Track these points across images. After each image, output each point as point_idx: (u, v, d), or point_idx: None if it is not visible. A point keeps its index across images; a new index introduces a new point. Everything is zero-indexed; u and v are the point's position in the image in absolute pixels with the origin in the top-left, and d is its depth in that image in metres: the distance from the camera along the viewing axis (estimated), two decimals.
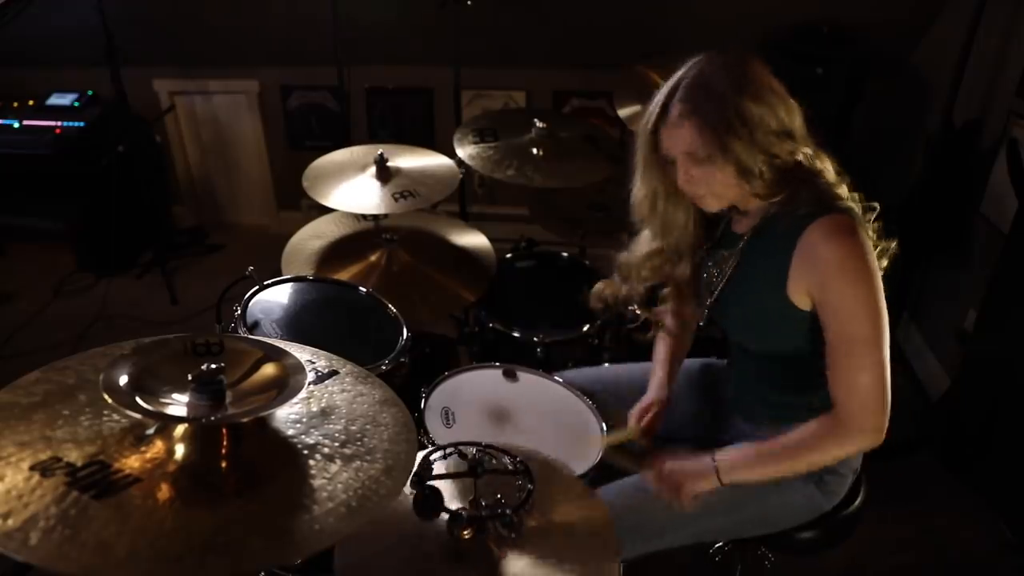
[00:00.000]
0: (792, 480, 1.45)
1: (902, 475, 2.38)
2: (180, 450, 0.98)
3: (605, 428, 1.62)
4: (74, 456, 0.95)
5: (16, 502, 0.87)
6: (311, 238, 2.23)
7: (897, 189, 2.95)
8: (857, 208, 1.35)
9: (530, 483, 1.18)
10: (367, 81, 3.47)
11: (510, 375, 1.77)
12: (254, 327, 1.72)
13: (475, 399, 1.69)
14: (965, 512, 2.34)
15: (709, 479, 1.41)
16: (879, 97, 3.07)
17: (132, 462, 0.95)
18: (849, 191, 1.38)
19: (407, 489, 1.10)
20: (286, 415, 1.08)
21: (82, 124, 3.30)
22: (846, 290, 1.28)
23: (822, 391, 1.35)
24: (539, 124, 2.31)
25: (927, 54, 3.05)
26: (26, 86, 3.47)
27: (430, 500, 1.13)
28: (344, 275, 2.07)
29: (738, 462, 1.41)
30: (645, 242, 1.57)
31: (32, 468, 0.92)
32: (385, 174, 2.13)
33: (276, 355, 1.12)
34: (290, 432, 1.06)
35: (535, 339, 2.07)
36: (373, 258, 2.14)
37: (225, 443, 1.00)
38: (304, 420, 1.08)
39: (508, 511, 1.13)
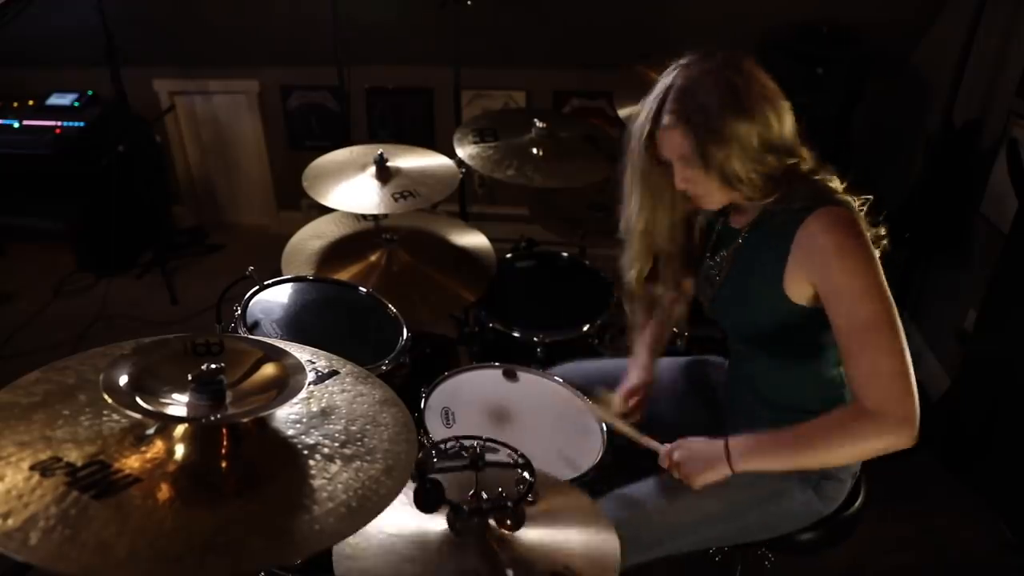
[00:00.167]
0: (791, 487, 1.45)
1: (902, 475, 2.38)
2: (180, 450, 0.98)
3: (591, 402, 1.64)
4: (74, 456, 0.95)
5: (16, 502, 0.87)
6: (311, 238, 2.23)
7: (897, 189, 2.95)
8: (852, 201, 1.35)
9: (531, 475, 1.18)
10: (367, 81, 3.47)
11: (510, 375, 1.77)
12: (254, 327, 1.72)
13: (475, 399, 1.69)
14: (965, 512, 2.34)
15: (721, 467, 1.37)
16: (879, 97, 3.07)
17: (132, 462, 0.95)
18: (840, 182, 1.38)
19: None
20: (286, 415, 1.08)
21: (82, 124, 3.29)
22: (850, 275, 1.27)
23: (820, 392, 1.35)
24: (539, 124, 2.31)
25: (927, 54, 3.05)
26: (26, 86, 3.47)
27: (431, 493, 1.13)
28: (344, 275, 2.07)
29: (753, 449, 1.36)
30: (634, 247, 1.58)
31: (32, 468, 0.92)
32: (385, 174, 2.13)
33: (276, 355, 1.12)
34: (290, 432, 1.06)
35: (535, 339, 2.07)
36: (373, 258, 2.14)
37: (225, 443, 1.00)
38: (304, 420, 1.08)
39: (509, 503, 1.13)
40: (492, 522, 1.14)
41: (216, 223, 3.93)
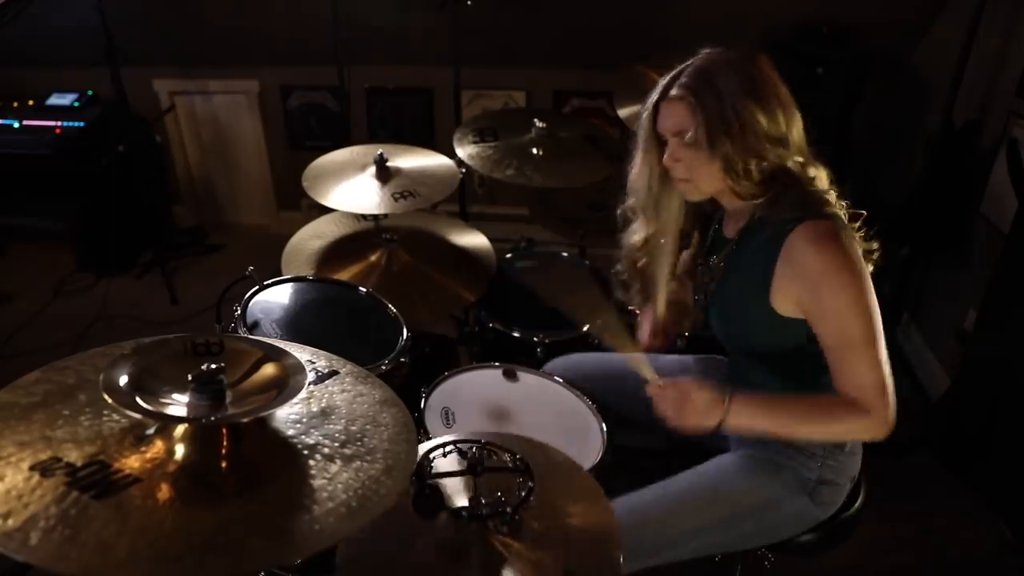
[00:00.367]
0: (787, 494, 1.46)
1: (902, 475, 2.38)
2: (180, 450, 0.98)
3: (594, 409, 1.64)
4: (74, 456, 0.95)
5: (16, 502, 0.87)
6: (311, 238, 2.23)
7: (897, 189, 2.95)
8: (842, 215, 1.35)
9: (530, 480, 1.18)
10: (367, 81, 3.47)
11: (510, 375, 1.77)
12: (254, 327, 1.72)
13: (475, 399, 1.69)
14: (965, 512, 2.34)
15: (714, 414, 1.34)
16: (879, 97, 3.07)
17: (132, 462, 0.95)
18: (837, 199, 1.38)
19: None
20: (286, 415, 1.08)
21: (82, 124, 3.30)
22: (836, 296, 1.28)
23: (814, 391, 1.35)
24: (539, 124, 2.31)
25: (927, 54, 3.05)
26: (26, 86, 3.47)
27: (431, 498, 1.13)
28: (344, 275, 2.07)
29: (750, 404, 1.35)
30: (637, 225, 1.58)
31: (32, 468, 0.92)
32: (385, 174, 2.13)
33: (276, 355, 1.12)
34: (290, 432, 1.06)
35: (535, 339, 2.07)
36: (373, 258, 2.14)
37: (225, 443, 1.00)
38: (304, 420, 1.08)
39: (508, 509, 1.13)
40: (491, 526, 1.14)
41: (216, 223, 3.93)
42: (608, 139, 2.51)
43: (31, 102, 3.42)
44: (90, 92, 3.44)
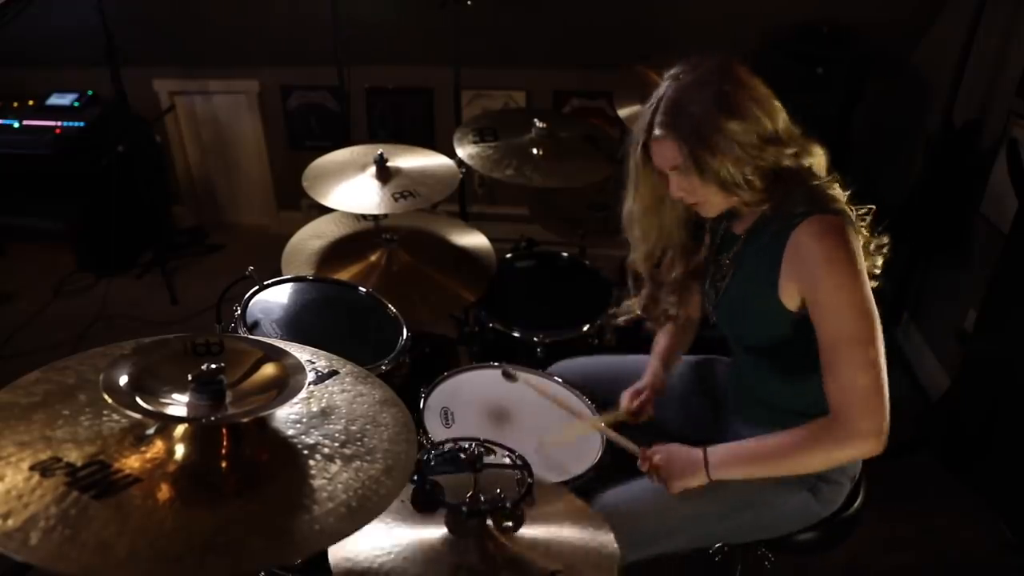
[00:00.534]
0: (787, 489, 1.46)
1: (902, 475, 2.38)
2: (180, 450, 0.98)
3: (594, 408, 1.66)
4: (74, 456, 0.95)
5: (16, 502, 0.87)
6: (311, 238, 2.23)
7: (897, 189, 2.95)
8: (849, 210, 1.35)
9: (529, 477, 1.18)
10: (367, 81, 3.47)
11: (510, 375, 1.77)
12: (254, 327, 1.72)
13: (474, 399, 1.69)
14: (965, 512, 2.34)
15: (699, 474, 1.40)
16: (879, 97, 3.07)
17: (132, 462, 0.95)
18: (843, 190, 1.39)
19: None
20: (286, 415, 1.08)
21: (82, 124, 3.30)
22: (836, 289, 1.27)
23: (819, 395, 1.35)
24: (539, 124, 2.31)
25: (927, 54, 3.05)
26: (26, 86, 3.47)
27: (430, 495, 1.13)
28: (344, 275, 2.07)
29: (729, 459, 1.40)
30: (641, 250, 1.59)
31: (32, 468, 0.92)
32: (385, 174, 2.13)
33: (276, 355, 1.12)
34: (290, 432, 1.06)
35: (535, 339, 2.07)
36: (373, 258, 2.14)
37: (225, 443, 1.00)
38: (304, 420, 1.08)
39: (508, 505, 1.13)
40: (491, 523, 1.14)
41: (216, 223, 3.93)
42: (608, 139, 2.51)
43: (31, 102, 3.42)
44: (90, 92, 3.44)
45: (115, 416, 1.01)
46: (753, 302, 1.42)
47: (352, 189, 2.09)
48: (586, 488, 1.47)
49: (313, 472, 0.99)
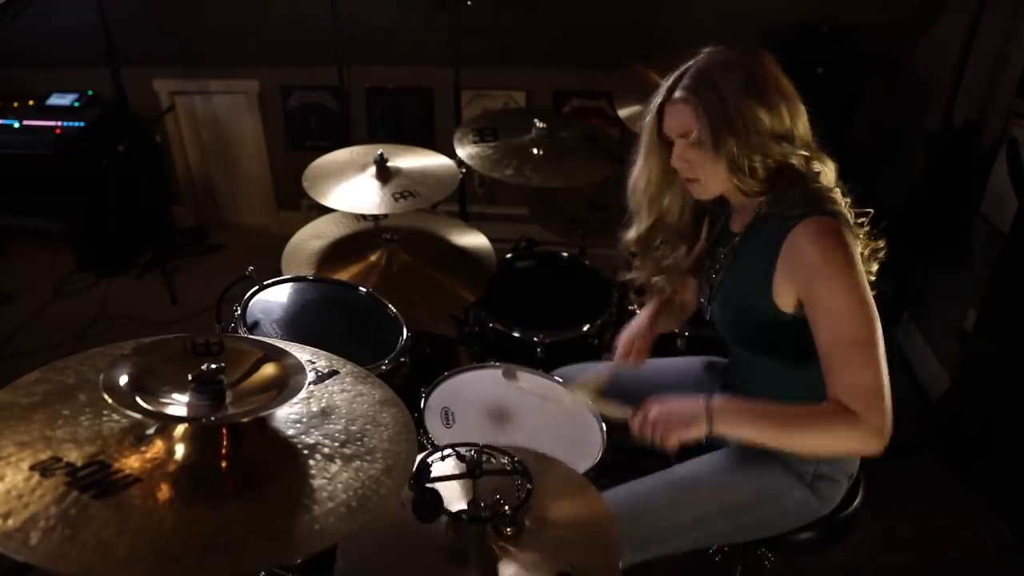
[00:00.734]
0: (786, 485, 1.46)
1: (902, 475, 2.38)
2: (180, 450, 0.98)
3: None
4: (74, 456, 0.95)
5: (16, 502, 0.87)
6: (311, 238, 2.23)
7: (897, 189, 2.95)
8: (847, 212, 1.35)
9: (529, 483, 1.18)
10: (367, 81, 3.47)
11: (510, 375, 1.77)
12: (254, 327, 1.72)
13: (475, 399, 1.69)
14: (965, 512, 2.34)
15: (700, 424, 1.33)
16: (879, 97, 3.07)
17: (132, 462, 0.95)
18: (843, 196, 1.38)
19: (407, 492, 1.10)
20: (286, 415, 1.08)
21: (82, 124, 3.29)
22: (834, 290, 1.27)
23: (814, 394, 1.35)
24: (539, 124, 2.32)
25: (927, 54, 3.05)
26: (26, 86, 3.46)
27: (430, 502, 1.13)
28: (344, 275, 2.07)
29: (735, 412, 1.34)
30: (636, 228, 1.58)
31: (32, 468, 0.92)
32: (385, 174, 2.13)
33: (276, 355, 1.12)
34: (290, 432, 1.06)
35: (535, 339, 2.07)
36: (373, 258, 2.14)
37: (225, 443, 1.00)
38: (304, 420, 1.08)
39: (508, 511, 1.13)
40: (491, 529, 1.14)
41: (216, 223, 3.93)
42: (608, 139, 2.51)
43: (31, 102, 3.42)
44: (90, 92, 3.44)
45: (115, 416, 1.01)
46: (747, 298, 1.42)
47: (352, 189, 2.09)
48: None
49: (313, 472, 0.99)
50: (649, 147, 1.47)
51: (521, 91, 3.47)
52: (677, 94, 1.36)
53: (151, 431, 1.00)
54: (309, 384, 1.13)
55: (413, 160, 2.23)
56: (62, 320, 3.18)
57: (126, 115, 3.18)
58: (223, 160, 3.84)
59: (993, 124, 2.59)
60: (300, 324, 1.78)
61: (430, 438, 1.53)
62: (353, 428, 1.08)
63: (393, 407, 1.15)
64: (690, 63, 1.37)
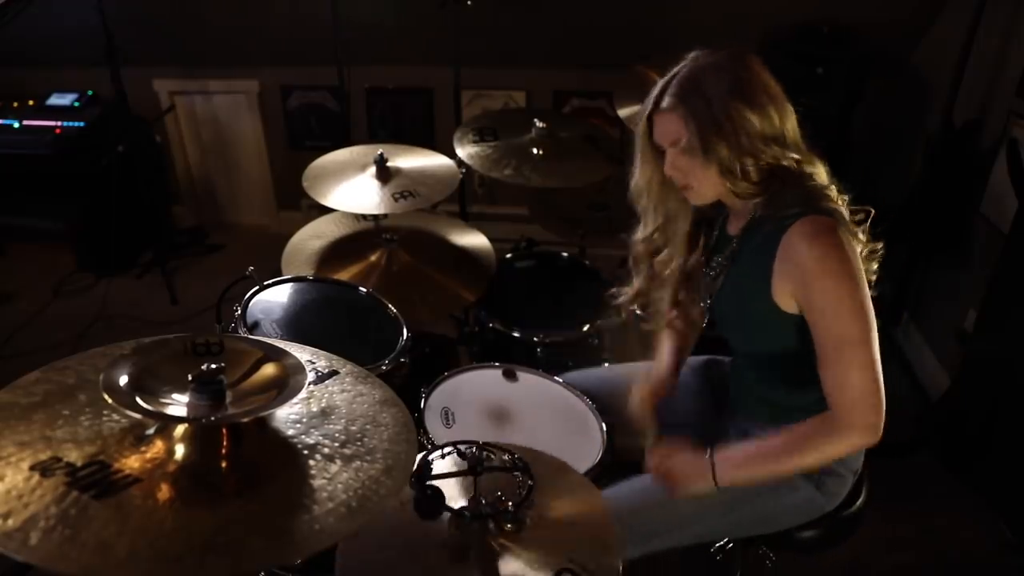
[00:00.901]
0: (791, 482, 1.45)
1: (902, 475, 2.38)
2: (180, 450, 0.98)
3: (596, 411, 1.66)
4: (74, 456, 0.95)
5: (16, 502, 0.87)
6: (311, 238, 2.23)
7: (897, 189, 2.95)
8: (844, 210, 1.35)
9: (530, 479, 1.18)
10: (367, 81, 3.47)
11: (510, 375, 1.77)
12: (254, 327, 1.72)
13: (475, 399, 1.69)
14: (965, 512, 2.34)
15: (705, 479, 1.39)
16: (879, 97, 3.07)
17: (132, 462, 0.95)
18: (839, 194, 1.38)
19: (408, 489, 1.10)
20: (286, 415, 1.08)
21: (82, 124, 3.29)
22: (829, 290, 1.27)
23: (818, 391, 1.35)
24: (539, 124, 2.31)
25: (927, 54, 3.05)
26: (26, 86, 3.47)
27: (431, 500, 1.13)
28: (344, 275, 2.07)
29: (733, 464, 1.39)
30: (641, 232, 1.59)
31: (32, 468, 0.92)
32: (385, 174, 2.13)
33: (276, 355, 1.12)
34: (290, 432, 1.06)
35: (535, 339, 2.07)
36: (373, 258, 2.14)
37: (225, 443, 1.00)
38: (304, 420, 1.08)
39: (511, 507, 1.13)
40: (492, 526, 1.14)
41: (216, 223, 3.93)
42: (608, 139, 2.51)
43: (31, 102, 3.42)
44: (90, 92, 3.44)
45: (115, 416, 1.01)
46: (748, 303, 1.42)
47: (352, 189, 2.09)
48: None
49: (313, 472, 0.99)
50: (644, 156, 1.48)
51: (521, 91, 3.47)
52: (664, 103, 1.36)
53: (151, 431, 1.00)
54: (309, 384, 1.13)
55: (413, 160, 2.23)
56: (62, 320, 3.18)
57: (126, 115, 3.18)
58: (223, 160, 3.84)
59: (993, 124, 2.59)
60: (300, 324, 1.78)
61: (430, 438, 1.53)
62: (353, 428, 1.08)
63: (393, 407, 1.15)
64: (676, 70, 1.37)
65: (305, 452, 1.02)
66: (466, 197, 2.99)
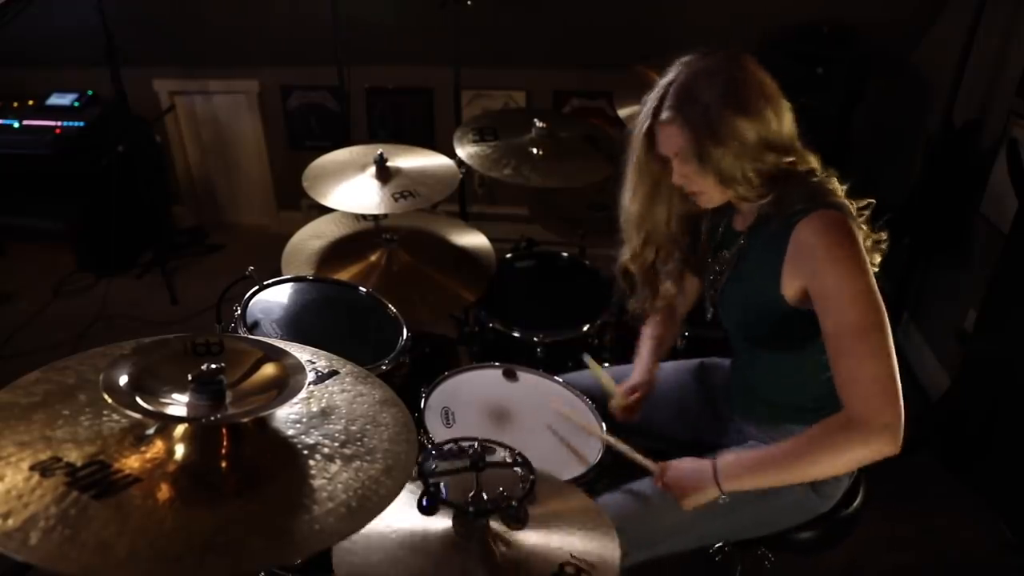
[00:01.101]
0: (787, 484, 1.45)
1: (902, 475, 2.37)
2: (180, 450, 0.98)
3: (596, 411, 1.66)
4: (74, 456, 0.95)
5: (16, 502, 0.87)
6: (311, 238, 2.23)
7: (897, 189, 2.95)
8: (849, 204, 1.35)
9: (531, 474, 1.18)
10: (367, 81, 3.47)
11: (510, 375, 1.77)
12: (254, 327, 1.72)
13: (475, 399, 1.69)
14: (965, 512, 2.34)
15: (711, 489, 1.38)
16: (879, 97, 3.07)
17: (132, 462, 0.95)
18: (839, 184, 1.38)
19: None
20: (286, 415, 1.08)
21: (82, 124, 3.30)
22: (840, 281, 1.26)
23: (820, 391, 1.35)
24: (539, 124, 2.31)
25: (927, 54, 3.05)
26: (26, 86, 3.47)
27: (432, 496, 1.13)
28: (344, 275, 2.07)
29: (739, 470, 1.37)
30: (630, 244, 1.60)
31: (32, 468, 0.92)
32: (385, 174, 2.13)
33: (276, 355, 1.12)
34: (290, 432, 1.06)
35: (535, 339, 2.07)
36: (373, 258, 2.14)
37: (225, 443, 1.00)
38: (304, 420, 1.08)
39: (513, 502, 1.13)
40: (493, 522, 1.14)
41: (216, 223, 3.93)
42: (608, 139, 2.50)
43: (31, 102, 3.42)
44: (90, 92, 3.44)
45: (115, 416, 1.01)
46: (757, 296, 1.42)
47: (352, 189, 2.09)
48: (586, 489, 1.47)
49: (313, 472, 0.99)
50: (639, 166, 1.48)
51: (521, 91, 3.47)
52: (664, 115, 1.36)
53: (151, 431, 1.00)
54: (309, 384, 1.13)
55: (413, 160, 2.23)
56: (62, 320, 3.18)
57: (126, 115, 3.18)
58: (223, 160, 3.84)
59: (993, 124, 2.59)
60: (300, 324, 1.78)
61: (430, 438, 1.53)
62: (353, 428, 1.08)
63: (393, 407, 1.15)
64: (671, 77, 1.36)
65: (305, 452, 1.02)
66: (466, 197, 2.99)
